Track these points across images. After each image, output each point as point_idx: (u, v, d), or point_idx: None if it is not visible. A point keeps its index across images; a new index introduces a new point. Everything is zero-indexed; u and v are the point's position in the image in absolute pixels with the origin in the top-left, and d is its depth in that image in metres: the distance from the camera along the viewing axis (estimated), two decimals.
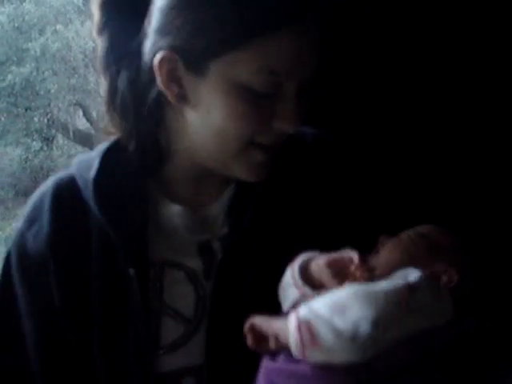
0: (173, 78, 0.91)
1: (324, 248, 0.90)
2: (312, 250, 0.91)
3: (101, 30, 0.96)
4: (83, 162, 1.01)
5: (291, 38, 0.88)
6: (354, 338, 0.76)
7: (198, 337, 0.95)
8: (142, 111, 0.95)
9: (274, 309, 0.89)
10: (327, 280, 0.86)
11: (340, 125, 1.20)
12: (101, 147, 1.01)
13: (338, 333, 0.76)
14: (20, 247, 0.99)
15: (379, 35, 1.30)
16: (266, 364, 0.85)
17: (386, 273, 0.87)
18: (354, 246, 0.90)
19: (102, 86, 0.99)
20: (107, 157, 0.99)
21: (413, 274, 0.82)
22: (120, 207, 0.97)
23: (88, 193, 0.97)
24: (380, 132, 1.29)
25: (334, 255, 0.90)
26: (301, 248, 0.91)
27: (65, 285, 0.97)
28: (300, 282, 0.88)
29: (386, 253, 0.90)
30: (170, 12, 0.89)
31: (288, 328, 0.79)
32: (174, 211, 1.00)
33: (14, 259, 0.99)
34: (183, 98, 0.92)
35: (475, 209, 1.28)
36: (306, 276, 0.89)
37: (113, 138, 1.02)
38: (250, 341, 0.84)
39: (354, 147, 1.08)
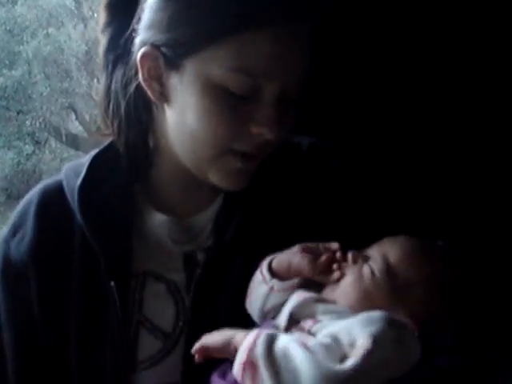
0: (154, 74, 0.89)
1: None
2: None
3: (103, 30, 0.96)
4: (72, 169, 0.99)
5: (270, 38, 0.84)
6: None
7: (176, 353, 0.92)
8: (132, 110, 0.94)
9: (253, 325, 0.87)
10: (299, 263, 0.84)
11: (336, 134, 1.18)
12: (92, 153, 1.00)
13: None
14: (3, 254, 0.98)
15: (377, 39, 1.28)
16: (214, 379, 0.83)
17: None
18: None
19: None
20: (96, 163, 0.98)
21: (371, 327, 0.75)
22: (104, 216, 0.95)
23: (73, 201, 0.95)
24: (376, 142, 1.27)
25: (309, 244, 0.88)
26: None
27: (44, 294, 0.95)
28: (268, 276, 0.86)
29: (345, 289, 0.84)
30: (153, 7, 0.88)
31: (240, 350, 0.76)
32: (159, 220, 0.98)
33: None
34: (163, 96, 0.90)
35: (472, 218, 1.27)
36: (273, 270, 0.87)
37: (105, 142, 1.01)
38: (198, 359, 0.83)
39: (350, 159, 1.06)
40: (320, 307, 0.82)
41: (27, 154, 4.83)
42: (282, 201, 0.99)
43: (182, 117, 0.90)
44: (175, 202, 1.00)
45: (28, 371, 0.97)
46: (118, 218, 0.97)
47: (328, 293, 0.84)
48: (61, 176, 1.00)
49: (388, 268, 0.83)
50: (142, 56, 0.89)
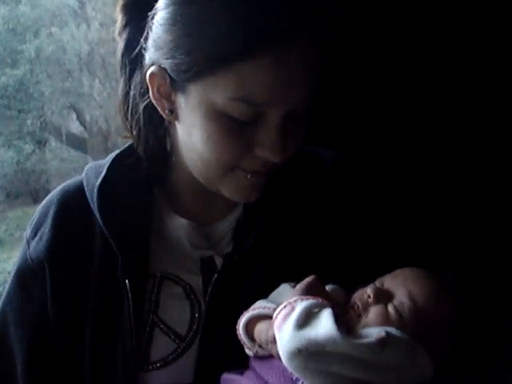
0: (163, 92, 0.90)
1: (327, 276, 0.88)
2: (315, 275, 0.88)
3: (120, 32, 0.97)
4: (92, 170, 1.00)
5: (269, 65, 0.84)
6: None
7: (189, 355, 0.94)
8: (151, 117, 0.95)
9: None
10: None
11: (360, 150, 1.17)
12: (112, 154, 1.01)
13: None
14: (24, 253, 0.99)
15: (388, 47, 1.28)
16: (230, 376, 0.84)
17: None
18: (363, 277, 0.87)
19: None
20: (117, 164, 0.99)
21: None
22: (124, 216, 0.96)
23: (92, 200, 0.96)
24: (400, 158, 1.27)
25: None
26: (305, 272, 0.89)
27: (60, 294, 0.96)
28: (248, 343, 0.86)
29: (367, 326, 0.85)
30: (158, 29, 0.89)
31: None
32: (178, 224, 0.99)
33: (17, 265, 1.00)
34: (173, 113, 0.91)
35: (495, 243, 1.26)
36: (252, 336, 0.86)
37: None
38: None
39: (374, 175, 1.05)
40: None
41: (27, 154, 4.82)
42: (304, 212, 0.99)
43: (189, 137, 0.91)
44: (195, 207, 1.02)
45: (38, 371, 0.98)
46: (136, 219, 0.98)
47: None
48: (82, 176, 1.01)
49: (415, 308, 0.82)
50: (151, 75, 0.89)
